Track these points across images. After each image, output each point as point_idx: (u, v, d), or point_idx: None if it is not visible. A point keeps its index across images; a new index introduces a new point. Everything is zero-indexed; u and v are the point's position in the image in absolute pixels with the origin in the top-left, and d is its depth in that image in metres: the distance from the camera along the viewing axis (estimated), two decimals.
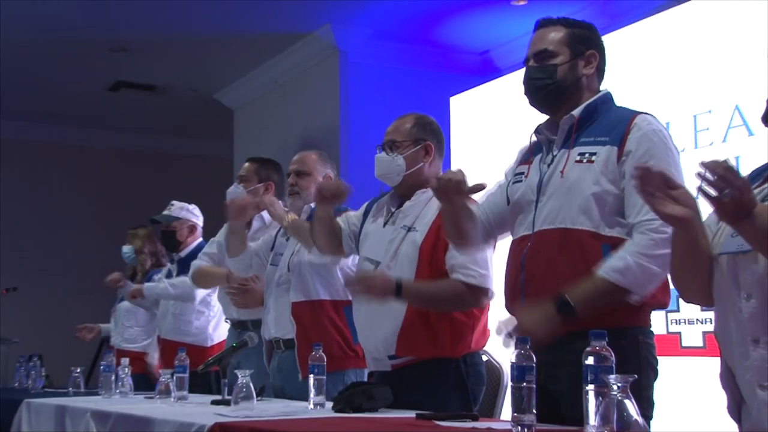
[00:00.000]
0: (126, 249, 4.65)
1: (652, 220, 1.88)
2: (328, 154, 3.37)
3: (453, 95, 4.92)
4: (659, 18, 3.89)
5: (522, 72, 2.19)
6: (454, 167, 4.99)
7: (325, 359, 2.34)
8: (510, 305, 2.15)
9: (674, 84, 3.72)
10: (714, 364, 3.30)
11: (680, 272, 1.74)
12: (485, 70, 5.60)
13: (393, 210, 2.61)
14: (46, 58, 6.03)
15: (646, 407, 1.94)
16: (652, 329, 2.06)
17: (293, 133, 5.99)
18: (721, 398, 1.72)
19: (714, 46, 3.57)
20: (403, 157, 2.56)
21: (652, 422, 1.95)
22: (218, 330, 4.03)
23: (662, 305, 2.06)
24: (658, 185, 1.61)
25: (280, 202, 3.21)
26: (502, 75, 4.66)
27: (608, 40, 3.88)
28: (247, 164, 3.62)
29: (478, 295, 2.42)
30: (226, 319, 3.68)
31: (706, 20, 3.62)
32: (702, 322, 3.41)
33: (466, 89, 4.83)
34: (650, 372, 1.99)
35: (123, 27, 5.50)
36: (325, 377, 2.33)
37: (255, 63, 6.15)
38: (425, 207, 2.55)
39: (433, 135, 2.62)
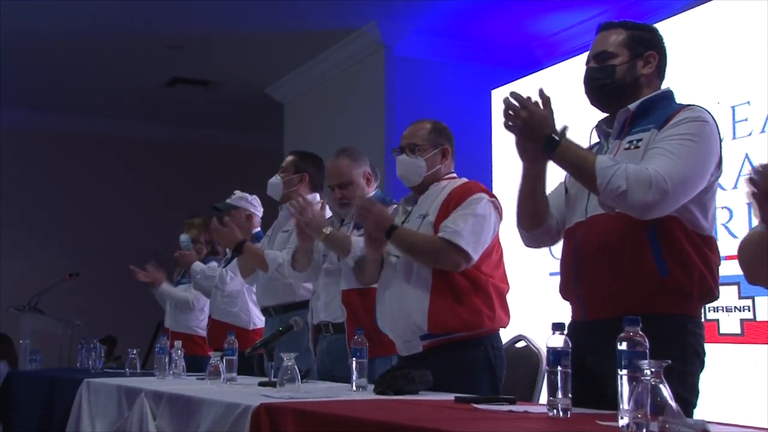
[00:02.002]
0: (183, 238, 4.76)
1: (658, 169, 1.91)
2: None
3: (495, 88, 4.93)
4: (697, 11, 3.86)
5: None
6: (496, 158, 5.05)
7: (367, 344, 2.41)
8: (564, 291, 2.20)
9: (713, 76, 3.69)
10: (751, 351, 3.29)
11: (758, 264, 1.77)
12: (527, 63, 5.58)
13: (409, 209, 2.76)
14: (106, 55, 6.20)
15: (690, 394, 1.96)
16: (701, 320, 2.07)
17: (341, 126, 6.06)
18: (758, 385, 1.72)
19: (752, 38, 3.53)
20: (424, 160, 2.72)
21: (696, 409, 1.96)
22: (261, 316, 4.17)
23: (711, 296, 2.08)
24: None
25: (320, 210, 3.12)
26: (543, 68, 4.65)
27: None
28: (289, 156, 3.73)
29: (452, 252, 2.53)
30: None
31: (744, 13, 3.59)
32: (740, 310, 3.38)
33: (508, 82, 4.83)
34: (695, 360, 2.01)
35: (179, 25, 5.63)
36: (366, 360, 2.39)
37: (304, 59, 6.24)
38: (439, 195, 2.69)
39: (448, 139, 2.80)
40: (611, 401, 1.85)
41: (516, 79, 4.84)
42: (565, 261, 2.18)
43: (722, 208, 3.56)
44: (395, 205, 2.97)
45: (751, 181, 1.65)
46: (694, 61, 3.80)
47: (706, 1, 3.85)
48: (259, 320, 4.15)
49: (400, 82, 5.59)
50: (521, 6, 5.15)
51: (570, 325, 2.04)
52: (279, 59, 6.27)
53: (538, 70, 4.70)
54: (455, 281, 2.59)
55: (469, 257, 2.56)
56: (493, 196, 2.69)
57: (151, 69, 6.54)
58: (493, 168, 4.93)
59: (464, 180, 2.77)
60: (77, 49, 6.06)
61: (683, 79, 3.73)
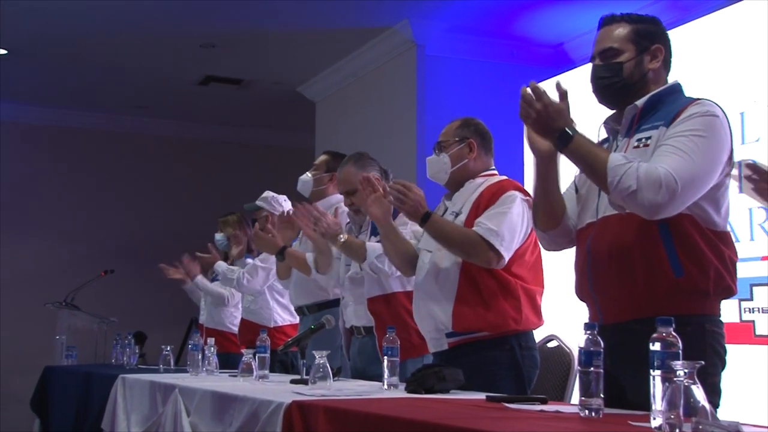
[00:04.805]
0: (219, 236, 4.82)
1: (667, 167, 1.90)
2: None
3: (527, 87, 4.90)
4: (734, 9, 3.80)
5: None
6: (528, 157, 5.02)
7: (399, 342, 2.42)
8: (579, 292, 2.18)
9: (749, 74, 3.63)
10: None
11: None
12: (559, 62, 5.53)
13: (448, 206, 2.74)
14: (140, 54, 6.27)
15: (712, 395, 1.93)
16: (721, 318, 2.04)
17: (372, 124, 6.06)
18: None
19: None
20: (448, 155, 2.70)
21: (719, 410, 1.94)
22: (284, 314, 4.25)
23: (730, 292, 2.04)
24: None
25: (335, 220, 3.16)
26: (576, 67, 4.62)
27: (682, 31, 3.79)
28: (322, 155, 3.78)
29: (486, 249, 2.50)
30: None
31: None
32: None
33: (540, 81, 4.79)
34: (716, 360, 1.98)
35: (213, 24, 5.67)
36: (398, 359, 2.40)
37: (336, 57, 6.25)
38: (472, 194, 2.66)
39: (476, 133, 2.75)
40: (631, 405, 1.85)
41: (548, 78, 4.80)
42: (579, 262, 2.16)
43: (759, 207, 3.51)
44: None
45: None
46: (730, 61, 3.74)
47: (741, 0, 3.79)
48: (280, 318, 4.25)
49: (431, 80, 5.57)
50: (553, 4, 5.11)
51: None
52: (311, 58, 6.29)
53: (571, 69, 4.67)
54: (482, 283, 2.57)
55: (501, 258, 2.54)
56: (527, 193, 2.63)
57: (185, 68, 6.60)
58: (525, 167, 4.91)
59: (500, 177, 2.73)
60: (111, 49, 6.13)
61: (720, 77, 3.68)
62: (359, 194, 3.03)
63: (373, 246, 2.99)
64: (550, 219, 2.20)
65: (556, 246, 2.30)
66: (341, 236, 3.04)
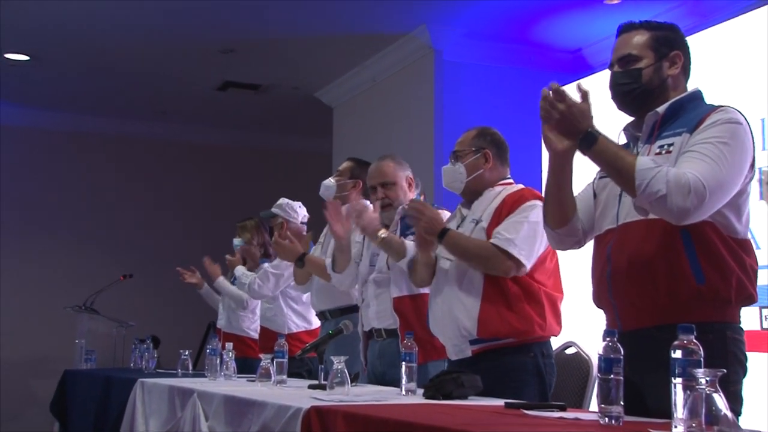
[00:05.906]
0: (236, 241, 4.85)
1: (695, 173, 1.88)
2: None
3: None
4: (755, 14, 3.77)
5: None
6: (546, 163, 5.01)
7: (416, 348, 2.41)
8: (598, 299, 2.17)
9: None
10: None
11: None
12: (578, 67, 5.52)
13: (465, 214, 2.76)
14: (159, 60, 6.31)
15: (734, 403, 1.92)
16: (741, 325, 2.03)
17: (389, 130, 6.07)
18: None
19: None
20: (464, 165, 2.72)
21: (741, 418, 1.93)
22: (298, 321, 4.27)
23: (751, 300, 2.03)
24: None
25: (375, 214, 3.17)
26: (595, 72, 4.61)
27: (702, 37, 3.77)
28: (346, 162, 3.79)
29: (504, 259, 2.53)
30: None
31: None
32: None
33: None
34: (738, 368, 1.97)
35: (231, 30, 5.70)
36: (415, 365, 2.40)
37: (354, 62, 6.26)
38: (492, 202, 2.68)
39: (492, 144, 2.77)
40: (652, 412, 1.84)
41: (567, 83, 4.78)
42: (597, 269, 2.15)
43: None
44: (444, 210, 2.99)
45: None
46: (752, 66, 3.71)
47: (763, 5, 3.75)
48: (294, 325, 4.26)
49: (449, 86, 5.57)
50: (572, 11, 5.10)
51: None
52: (329, 63, 6.31)
53: (589, 74, 4.66)
54: (507, 288, 2.58)
55: (521, 265, 2.56)
56: None
57: (204, 73, 6.64)
58: (543, 173, 4.89)
59: (519, 186, 2.76)
60: (130, 55, 6.18)
61: (740, 83, 3.65)
62: (394, 188, 3.10)
63: (411, 245, 3.00)
64: (561, 216, 2.20)
65: (562, 245, 2.30)
66: (381, 232, 3.06)
